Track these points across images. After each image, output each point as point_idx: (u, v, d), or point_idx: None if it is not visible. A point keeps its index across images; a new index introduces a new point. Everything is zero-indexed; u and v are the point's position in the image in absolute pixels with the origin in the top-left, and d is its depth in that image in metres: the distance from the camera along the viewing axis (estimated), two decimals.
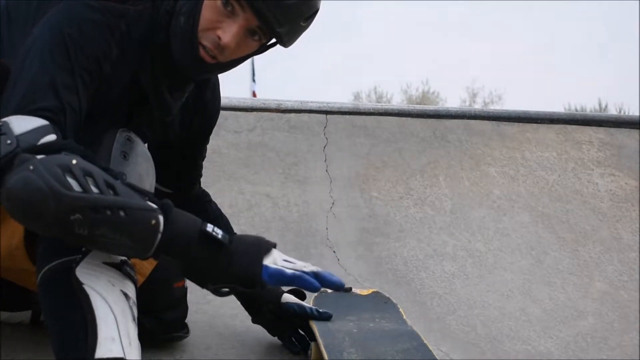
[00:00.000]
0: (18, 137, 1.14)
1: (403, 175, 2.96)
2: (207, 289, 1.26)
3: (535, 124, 3.39)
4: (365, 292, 1.93)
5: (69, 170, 1.08)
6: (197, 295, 1.99)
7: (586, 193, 3.04)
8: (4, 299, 1.60)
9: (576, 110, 14.96)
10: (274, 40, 1.46)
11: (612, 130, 3.45)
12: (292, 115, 3.13)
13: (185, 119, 1.64)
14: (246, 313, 1.82)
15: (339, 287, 1.28)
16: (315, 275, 1.25)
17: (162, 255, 1.18)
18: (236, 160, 2.85)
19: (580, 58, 40.18)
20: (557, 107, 21.20)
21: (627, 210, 2.97)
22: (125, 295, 1.22)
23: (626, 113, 12.64)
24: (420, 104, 18.92)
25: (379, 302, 1.88)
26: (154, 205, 1.15)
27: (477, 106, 21.05)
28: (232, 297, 1.87)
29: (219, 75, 1.66)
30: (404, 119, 3.26)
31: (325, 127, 3.11)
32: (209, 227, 1.19)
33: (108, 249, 1.17)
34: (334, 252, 2.47)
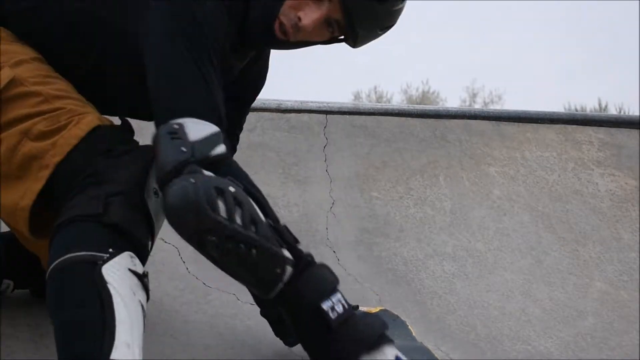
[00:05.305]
0: (193, 146, 1.20)
1: (403, 175, 2.95)
2: None
3: (535, 124, 3.38)
4: (373, 309, 1.92)
5: (222, 194, 1.15)
6: (197, 295, 2.00)
7: (586, 193, 3.04)
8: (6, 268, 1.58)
9: (576, 110, 14.94)
10: (342, 37, 1.48)
11: (612, 130, 3.45)
12: (292, 115, 3.12)
13: (238, 81, 1.66)
14: (246, 313, 1.82)
15: None
16: None
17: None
18: (236, 160, 2.84)
19: (581, 57, 40.23)
20: (557, 107, 21.19)
21: (627, 210, 2.97)
22: (142, 307, 1.21)
23: (626, 113, 12.61)
24: (420, 104, 18.91)
25: (388, 320, 1.87)
26: (287, 255, 1.21)
27: (477, 106, 21.04)
28: (233, 297, 1.87)
29: None
30: (404, 119, 3.25)
31: (325, 127, 3.10)
32: (327, 305, 1.19)
33: (232, 275, 1.21)
34: (334, 252, 2.46)
